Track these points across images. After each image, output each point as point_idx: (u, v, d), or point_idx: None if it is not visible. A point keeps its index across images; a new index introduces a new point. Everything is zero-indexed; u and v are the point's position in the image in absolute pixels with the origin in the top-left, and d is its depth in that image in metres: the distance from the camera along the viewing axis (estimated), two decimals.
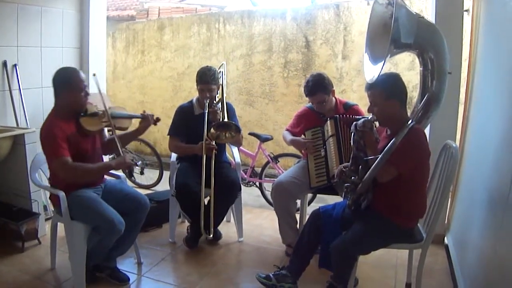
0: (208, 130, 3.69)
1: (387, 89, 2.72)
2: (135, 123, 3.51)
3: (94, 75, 3.40)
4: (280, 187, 3.58)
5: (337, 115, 3.52)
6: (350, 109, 3.70)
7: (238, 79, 7.04)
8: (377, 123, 2.83)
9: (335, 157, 3.39)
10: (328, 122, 3.53)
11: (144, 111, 3.45)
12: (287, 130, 3.92)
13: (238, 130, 3.74)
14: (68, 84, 3.04)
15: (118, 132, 3.29)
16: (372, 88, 2.78)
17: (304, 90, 3.67)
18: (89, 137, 3.17)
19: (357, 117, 3.42)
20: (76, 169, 2.93)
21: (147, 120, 3.41)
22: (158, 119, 3.48)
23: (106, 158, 3.50)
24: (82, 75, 3.11)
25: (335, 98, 3.75)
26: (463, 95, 3.96)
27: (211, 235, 3.67)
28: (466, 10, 3.91)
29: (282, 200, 3.60)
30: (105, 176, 3.43)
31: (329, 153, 3.47)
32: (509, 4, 2.72)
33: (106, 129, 3.47)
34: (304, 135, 3.76)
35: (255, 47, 6.88)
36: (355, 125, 2.75)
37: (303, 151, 3.80)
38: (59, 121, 3.01)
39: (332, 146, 3.45)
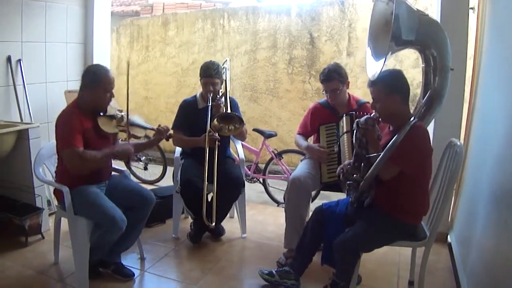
0: (211, 122, 3.69)
1: (389, 85, 2.71)
2: None
3: None
4: (297, 182, 3.49)
5: (353, 112, 3.49)
6: (362, 106, 3.69)
7: (242, 75, 7.03)
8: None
9: (348, 154, 3.36)
10: (344, 118, 3.50)
11: (160, 125, 3.44)
12: (299, 133, 3.91)
13: (241, 122, 3.73)
14: (96, 82, 3.07)
15: (132, 140, 3.30)
16: (374, 84, 2.78)
17: (320, 76, 3.67)
18: (102, 138, 3.18)
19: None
20: (86, 157, 2.94)
21: (161, 134, 3.40)
22: (171, 136, 3.47)
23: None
24: (112, 76, 3.15)
25: (348, 94, 3.75)
26: (467, 93, 3.95)
27: (213, 224, 3.65)
28: (472, 8, 3.90)
29: (297, 196, 3.50)
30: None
31: (343, 150, 3.44)
32: None
33: (119, 138, 3.47)
34: (319, 130, 3.75)
35: (259, 43, 6.87)
36: (357, 122, 2.76)
37: (317, 158, 3.74)
38: (78, 113, 3.04)
39: (346, 142, 3.41)
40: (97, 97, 3.09)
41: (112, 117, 3.22)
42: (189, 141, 3.93)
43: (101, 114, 3.16)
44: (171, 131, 3.51)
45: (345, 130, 3.46)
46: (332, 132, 3.63)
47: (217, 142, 3.73)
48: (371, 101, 2.86)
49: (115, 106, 3.35)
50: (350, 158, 3.29)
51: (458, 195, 3.96)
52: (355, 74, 6.20)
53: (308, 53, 6.52)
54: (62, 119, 3.03)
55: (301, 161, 3.93)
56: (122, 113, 3.27)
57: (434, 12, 4.20)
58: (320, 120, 3.75)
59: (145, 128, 3.43)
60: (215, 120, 3.66)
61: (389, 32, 2.81)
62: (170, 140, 3.54)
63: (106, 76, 3.10)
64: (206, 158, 3.65)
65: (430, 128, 3.80)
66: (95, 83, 3.06)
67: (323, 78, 3.64)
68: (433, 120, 3.71)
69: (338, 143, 3.53)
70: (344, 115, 3.52)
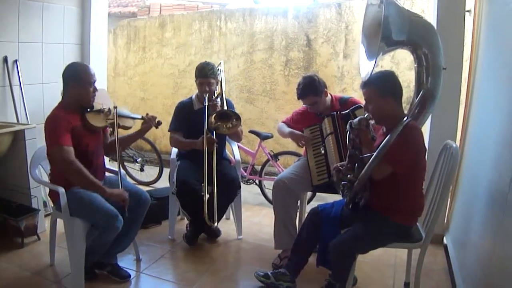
0: (208, 120, 3.69)
1: (381, 87, 2.72)
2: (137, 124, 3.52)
3: None
4: (281, 183, 3.53)
5: (334, 112, 3.51)
6: (346, 103, 3.69)
7: (239, 77, 7.03)
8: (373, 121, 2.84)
9: (335, 155, 3.39)
10: (326, 120, 3.52)
11: (147, 114, 3.46)
12: (283, 122, 3.94)
13: (238, 118, 3.73)
14: (78, 77, 3.07)
15: (121, 131, 3.32)
16: (367, 86, 2.79)
17: (296, 93, 3.68)
18: (92, 134, 3.19)
19: (354, 107, 3.43)
20: (72, 164, 2.91)
21: (149, 122, 3.41)
22: (159, 123, 3.47)
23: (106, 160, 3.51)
24: (92, 70, 3.14)
25: (330, 95, 3.74)
26: (464, 95, 3.96)
27: (216, 224, 3.63)
28: (468, 11, 3.91)
29: (283, 198, 3.55)
30: (106, 173, 3.43)
31: (329, 151, 3.47)
32: (511, 4, 2.72)
33: (108, 132, 3.47)
34: (303, 133, 3.75)
35: (256, 45, 6.87)
36: (351, 123, 2.76)
37: (301, 144, 3.75)
38: (65, 113, 3.04)
39: (331, 143, 3.44)
40: (81, 93, 3.09)
41: (99, 111, 3.23)
42: (187, 144, 3.92)
43: (88, 110, 3.17)
44: (160, 119, 3.50)
45: (328, 131, 3.49)
46: (317, 134, 3.64)
47: (215, 144, 3.73)
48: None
49: (108, 103, 3.34)
50: (337, 159, 3.33)
51: (454, 197, 3.97)
52: (351, 76, 6.21)
53: (305, 55, 6.52)
54: (49, 120, 3.02)
55: (294, 163, 3.95)
56: (109, 106, 3.28)
57: (430, 15, 4.21)
58: (305, 121, 3.77)
59: (133, 118, 3.46)
60: (212, 118, 3.65)
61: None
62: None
63: (86, 70, 3.11)
64: (205, 159, 3.65)
65: (426, 130, 3.81)
66: (78, 78, 3.07)
67: (298, 96, 3.67)
68: (429, 122, 3.72)
69: (324, 144, 3.54)
70: (325, 116, 3.54)
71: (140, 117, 3.47)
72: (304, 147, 3.75)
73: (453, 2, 3.70)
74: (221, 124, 3.70)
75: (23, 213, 3.79)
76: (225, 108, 3.78)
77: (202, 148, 3.69)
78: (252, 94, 6.99)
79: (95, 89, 3.14)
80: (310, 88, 3.57)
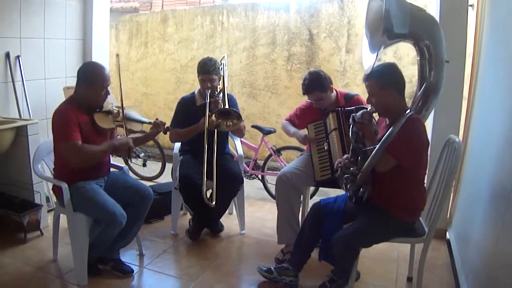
0: (209, 118, 3.67)
1: (384, 79, 2.72)
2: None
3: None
4: (284, 178, 3.53)
5: (339, 108, 3.50)
6: (351, 100, 3.68)
7: (241, 72, 7.03)
8: (376, 114, 2.83)
9: (338, 150, 3.38)
10: (330, 115, 3.52)
11: (157, 119, 3.46)
12: (287, 120, 3.93)
13: (239, 117, 3.71)
14: (92, 80, 3.06)
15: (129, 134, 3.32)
16: (369, 78, 2.78)
17: (302, 88, 3.66)
18: (99, 133, 3.17)
19: (359, 106, 3.42)
20: (86, 151, 2.94)
21: (158, 127, 3.42)
22: (168, 128, 3.50)
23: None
24: (108, 74, 3.13)
25: (335, 91, 3.73)
26: (466, 90, 3.95)
27: (214, 202, 3.55)
28: (471, 5, 3.90)
29: (286, 193, 3.54)
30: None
31: (332, 147, 3.46)
32: None
33: (116, 131, 3.47)
34: (307, 128, 3.75)
35: (258, 39, 6.86)
36: (353, 117, 2.75)
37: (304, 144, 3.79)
38: (73, 108, 3.03)
39: (335, 139, 3.43)
40: (93, 94, 3.08)
41: (108, 112, 3.22)
42: (187, 132, 3.87)
43: (97, 110, 3.16)
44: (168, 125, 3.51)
45: (332, 127, 3.48)
46: (321, 129, 3.63)
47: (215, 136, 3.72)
48: (363, 96, 2.85)
49: (113, 102, 3.35)
50: (340, 155, 3.31)
51: (457, 191, 3.97)
52: (354, 71, 6.20)
53: (307, 49, 6.52)
54: (58, 114, 3.02)
55: (297, 157, 3.95)
56: (119, 108, 3.28)
57: (433, 9, 4.20)
58: (309, 116, 3.78)
59: (141, 122, 3.46)
60: (213, 115, 3.63)
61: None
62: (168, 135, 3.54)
63: (102, 74, 3.09)
64: (205, 154, 3.63)
65: (429, 125, 3.80)
66: (91, 80, 3.05)
67: (304, 91, 3.64)
68: (432, 117, 3.71)
69: (328, 140, 3.53)
70: (330, 112, 3.53)
71: (149, 121, 3.47)
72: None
73: None
74: (222, 122, 3.69)
75: (26, 208, 3.80)
76: (227, 104, 3.76)
77: (203, 129, 3.65)
78: (254, 89, 6.98)
79: (107, 93, 3.14)
80: (317, 83, 3.56)
